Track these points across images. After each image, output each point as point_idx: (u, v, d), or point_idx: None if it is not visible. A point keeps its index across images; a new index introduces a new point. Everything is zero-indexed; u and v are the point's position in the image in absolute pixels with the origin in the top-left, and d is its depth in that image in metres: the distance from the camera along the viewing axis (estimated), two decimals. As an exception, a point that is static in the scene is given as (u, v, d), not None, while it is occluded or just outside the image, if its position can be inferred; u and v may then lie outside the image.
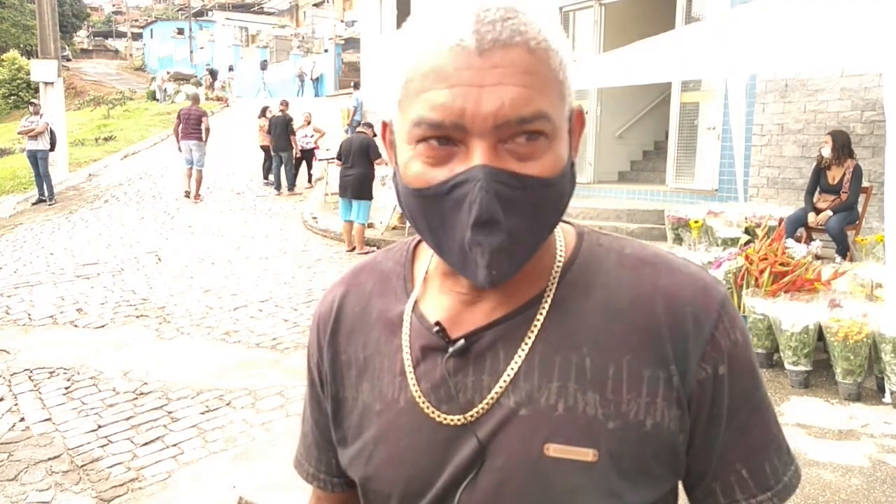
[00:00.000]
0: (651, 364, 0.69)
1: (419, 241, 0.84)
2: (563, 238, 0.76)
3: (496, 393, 0.70)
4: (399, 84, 0.67)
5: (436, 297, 0.77)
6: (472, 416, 0.70)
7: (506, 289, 0.72)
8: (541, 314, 0.71)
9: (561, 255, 0.75)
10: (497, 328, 0.72)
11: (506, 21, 0.62)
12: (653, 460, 0.69)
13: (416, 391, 0.73)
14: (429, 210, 0.66)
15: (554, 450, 0.68)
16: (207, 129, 12.56)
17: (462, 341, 0.72)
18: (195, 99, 13.53)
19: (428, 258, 0.80)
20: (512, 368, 0.70)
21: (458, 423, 0.71)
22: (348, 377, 0.80)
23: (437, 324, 0.73)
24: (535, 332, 0.71)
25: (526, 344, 0.71)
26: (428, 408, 0.72)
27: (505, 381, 0.70)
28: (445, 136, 0.63)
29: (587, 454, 0.67)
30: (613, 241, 0.77)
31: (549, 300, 0.72)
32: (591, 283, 0.73)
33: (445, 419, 0.71)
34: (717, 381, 0.70)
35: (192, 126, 12.35)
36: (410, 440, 0.73)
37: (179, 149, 12.56)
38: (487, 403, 0.70)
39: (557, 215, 0.68)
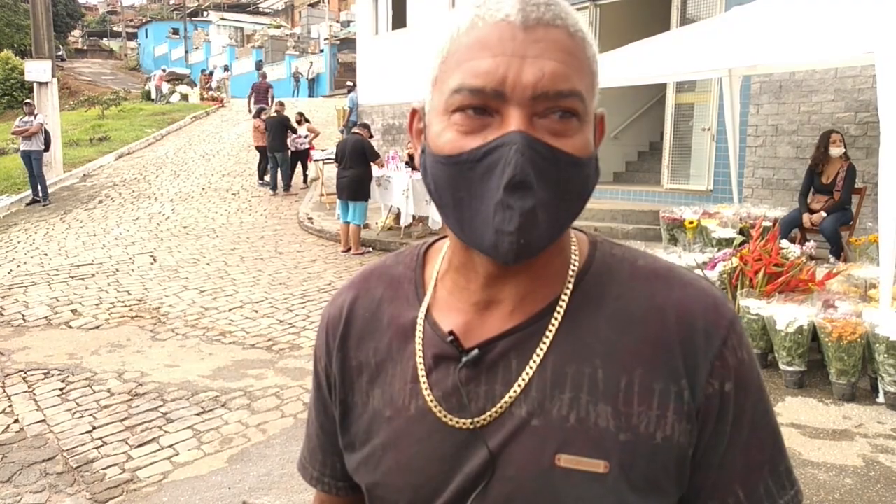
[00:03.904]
0: (662, 377, 0.69)
1: (429, 246, 0.83)
2: (576, 245, 0.76)
3: (508, 400, 0.70)
4: (438, 61, 0.68)
5: (447, 302, 0.76)
6: (482, 420, 0.70)
7: (519, 294, 0.72)
8: (553, 324, 0.71)
9: (575, 263, 0.74)
10: (510, 337, 0.71)
11: (549, 5, 0.65)
12: (662, 473, 0.69)
13: (430, 398, 0.73)
14: (457, 179, 0.65)
15: (565, 461, 0.67)
16: (272, 97, 17.53)
17: (476, 351, 0.71)
18: (263, 76, 19.57)
19: (438, 262, 0.79)
20: (524, 378, 0.70)
21: (468, 426, 0.71)
22: (358, 383, 0.80)
23: (451, 333, 0.73)
24: (548, 342, 0.70)
25: (539, 354, 0.70)
26: (440, 412, 0.72)
27: (516, 390, 0.70)
28: (482, 106, 0.64)
29: (598, 466, 0.67)
30: (626, 252, 0.77)
31: (562, 309, 0.72)
32: (604, 293, 0.73)
33: (457, 423, 0.71)
34: (722, 398, 0.70)
35: (261, 95, 17.73)
36: (420, 448, 0.73)
37: (250, 110, 17.69)
38: (499, 409, 0.70)
39: (581, 202, 0.68)
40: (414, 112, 0.74)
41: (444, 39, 0.68)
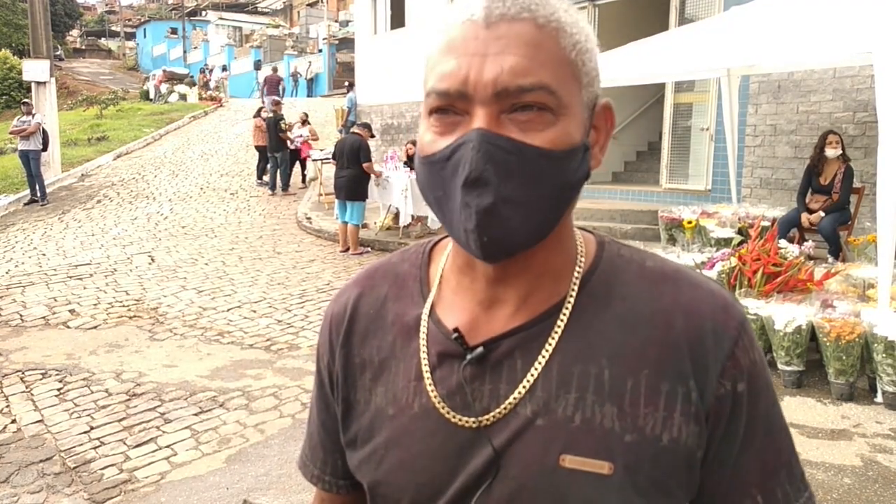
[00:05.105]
0: (669, 379, 0.68)
1: (435, 244, 0.83)
2: (583, 245, 0.75)
3: (513, 400, 0.69)
4: (424, 65, 0.69)
5: (452, 300, 0.76)
6: (487, 419, 0.70)
7: (525, 293, 0.72)
8: (560, 323, 0.71)
9: (581, 263, 0.74)
10: (515, 336, 0.71)
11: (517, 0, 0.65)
12: (668, 476, 0.68)
13: (434, 395, 0.73)
14: (434, 178, 0.67)
15: (570, 461, 0.67)
16: (283, 88, 20.96)
17: (480, 349, 0.71)
18: (274, 70, 22.26)
19: (443, 260, 0.79)
20: (529, 378, 0.70)
21: (472, 425, 0.70)
22: (361, 380, 0.79)
23: (456, 330, 0.73)
24: (554, 341, 0.70)
25: (545, 353, 0.70)
26: (444, 409, 0.72)
27: (522, 390, 0.69)
28: (452, 107, 0.65)
29: (602, 467, 0.67)
30: (634, 253, 0.77)
31: (568, 309, 0.71)
32: (612, 293, 0.72)
33: (460, 420, 0.71)
34: (735, 398, 0.69)
35: (273, 87, 19.83)
36: (423, 446, 0.73)
37: (262, 101, 18.54)
38: (503, 409, 0.70)
39: (561, 194, 0.67)
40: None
41: (430, 43, 0.69)
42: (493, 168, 0.62)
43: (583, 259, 0.74)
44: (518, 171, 0.63)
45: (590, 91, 0.68)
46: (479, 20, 0.64)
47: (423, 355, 0.75)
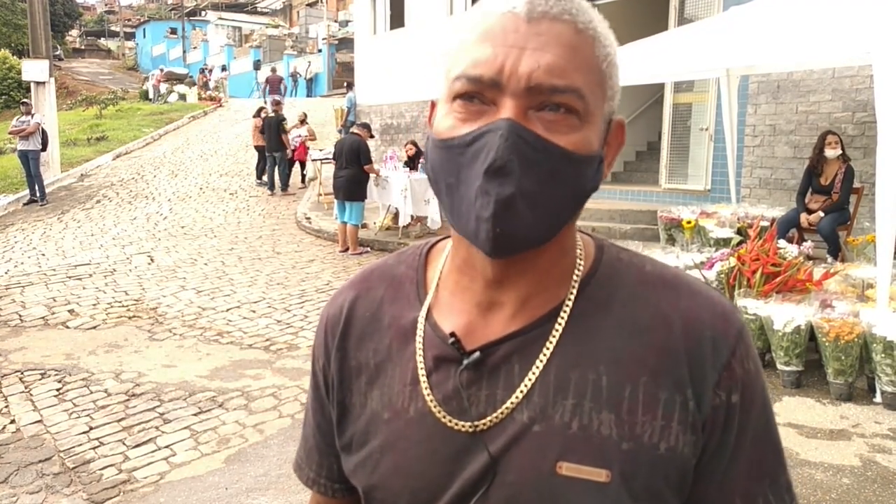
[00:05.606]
0: (667, 387, 0.68)
1: (432, 246, 0.83)
2: (582, 249, 0.75)
3: (510, 405, 0.69)
4: (450, 52, 0.69)
5: (449, 302, 0.75)
6: (484, 424, 0.69)
7: (524, 296, 0.71)
8: (558, 328, 0.70)
9: (580, 267, 0.73)
10: (513, 341, 0.71)
11: (559, 0, 0.65)
12: (664, 484, 0.68)
13: (431, 400, 0.72)
14: (448, 163, 0.66)
15: (567, 468, 0.67)
16: (285, 87, 22.46)
17: (477, 354, 0.71)
18: (273, 70, 23.53)
19: (441, 262, 0.78)
20: (527, 383, 0.69)
21: (469, 430, 0.70)
22: (357, 383, 0.79)
23: (452, 334, 0.72)
24: (552, 347, 0.70)
25: (542, 359, 0.70)
26: (441, 414, 0.71)
27: (519, 396, 0.69)
28: (479, 95, 0.65)
29: (600, 474, 0.66)
30: (633, 257, 0.76)
31: (567, 314, 0.71)
32: (611, 298, 0.72)
33: (456, 425, 0.70)
34: (729, 409, 0.69)
35: (274, 86, 21.35)
36: (419, 451, 0.72)
37: (264, 100, 19.78)
38: (500, 415, 0.69)
39: (576, 201, 0.67)
40: (433, 105, 0.74)
41: (457, 31, 0.69)
42: (518, 160, 0.62)
43: (582, 262, 0.73)
44: (540, 168, 0.63)
45: (610, 105, 0.69)
46: (521, 14, 0.64)
47: (420, 359, 0.74)
